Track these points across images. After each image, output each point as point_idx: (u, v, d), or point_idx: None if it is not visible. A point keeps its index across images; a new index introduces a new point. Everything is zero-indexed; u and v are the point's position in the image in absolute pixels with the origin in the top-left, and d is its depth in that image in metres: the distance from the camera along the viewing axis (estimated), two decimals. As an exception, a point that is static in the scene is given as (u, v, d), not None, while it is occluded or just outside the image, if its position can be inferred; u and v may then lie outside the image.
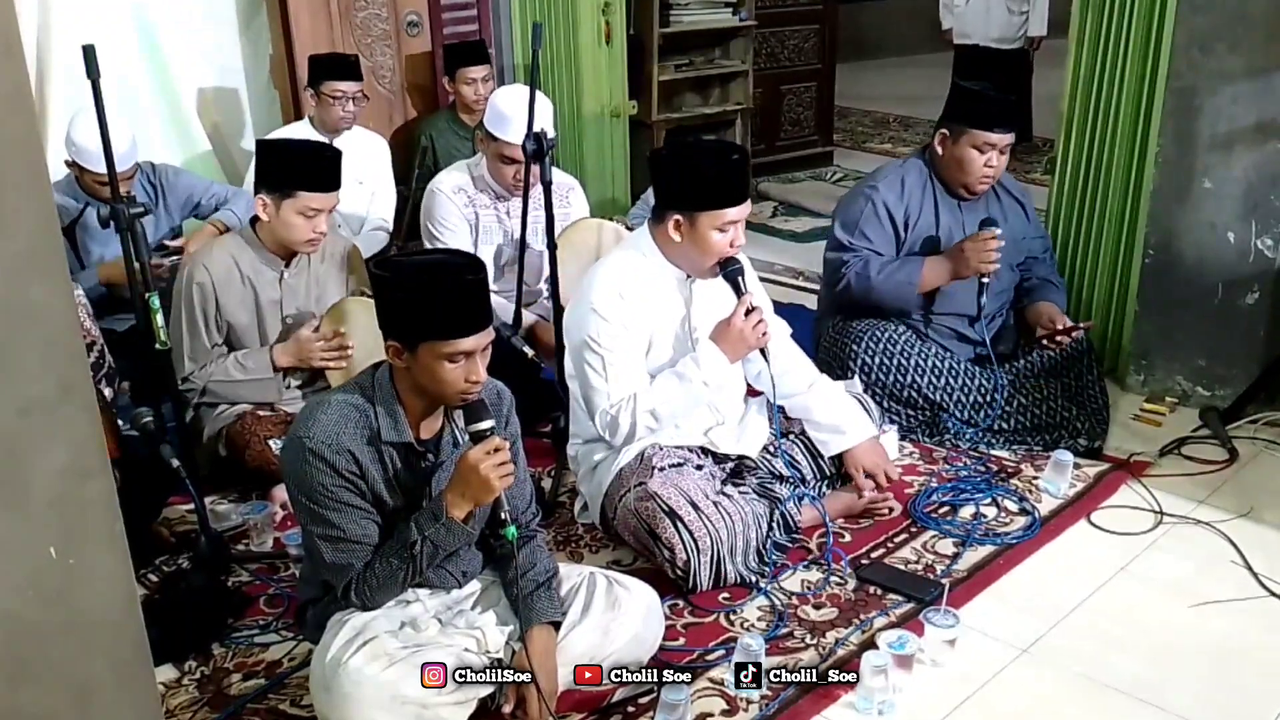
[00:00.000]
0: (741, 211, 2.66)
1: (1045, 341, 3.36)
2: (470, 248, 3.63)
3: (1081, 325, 3.37)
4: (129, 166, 3.48)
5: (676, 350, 2.80)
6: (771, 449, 2.94)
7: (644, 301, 2.73)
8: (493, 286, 3.56)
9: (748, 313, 2.72)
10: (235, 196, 3.91)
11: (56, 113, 4.03)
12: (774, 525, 2.78)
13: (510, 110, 3.51)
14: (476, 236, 3.66)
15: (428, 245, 3.71)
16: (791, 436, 3.00)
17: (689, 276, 2.78)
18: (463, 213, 3.64)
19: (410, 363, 2.08)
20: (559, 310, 3.42)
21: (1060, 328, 3.34)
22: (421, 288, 2.05)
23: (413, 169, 4.64)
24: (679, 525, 2.59)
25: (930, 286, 3.31)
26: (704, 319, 2.80)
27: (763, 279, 3.60)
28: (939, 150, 3.34)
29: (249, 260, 3.06)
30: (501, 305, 3.57)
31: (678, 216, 2.67)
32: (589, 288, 2.75)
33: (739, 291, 2.73)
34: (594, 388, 2.73)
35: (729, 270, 2.74)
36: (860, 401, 3.03)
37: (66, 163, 3.57)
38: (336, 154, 3.04)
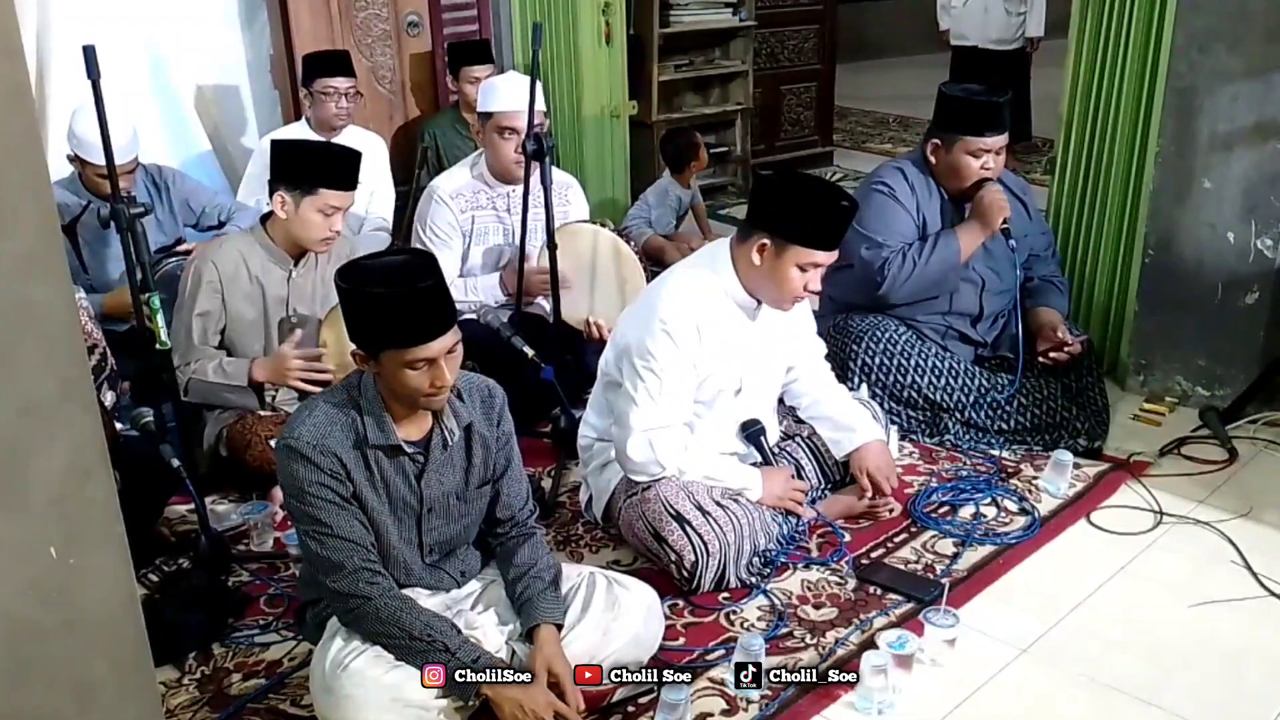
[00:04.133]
0: (829, 257, 2.59)
1: (1042, 359, 3.35)
2: (460, 256, 3.63)
3: (1079, 340, 3.37)
4: (130, 159, 3.48)
5: (730, 379, 2.74)
6: (776, 450, 2.95)
7: (715, 338, 2.65)
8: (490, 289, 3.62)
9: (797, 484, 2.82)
10: (239, 212, 3.91)
11: (56, 113, 4.03)
12: (781, 540, 2.79)
13: (500, 82, 3.58)
14: (470, 242, 3.66)
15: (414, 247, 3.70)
16: (798, 439, 3.00)
17: (758, 304, 2.71)
18: (457, 219, 3.63)
19: (377, 370, 2.08)
20: (558, 310, 3.43)
21: (1058, 340, 3.32)
22: (374, 298, 2.02)
23: (414, 169, 4.66)
24: (686, 528, 2.59)
25: (969, 253, 3.29)
26: (762, 348, 2.77)
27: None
28: (932, 159, 3.34)
29: (258, 259, 3.06)
30: (488, 288, 3.58)
31: (766, 240, 2.58)
32: (660, 298, 2.64)
33: (766, 457, 2.79)
34: (637, 404, 2.63)
35: (751, 432, 2.78)
36: (865, 405, 3.04)
37: (69, 157, 3.57)
38: (356, 154, 3.05)
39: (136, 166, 3.58)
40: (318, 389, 2.99)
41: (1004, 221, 3.25)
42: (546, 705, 2.08)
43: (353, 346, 2.12)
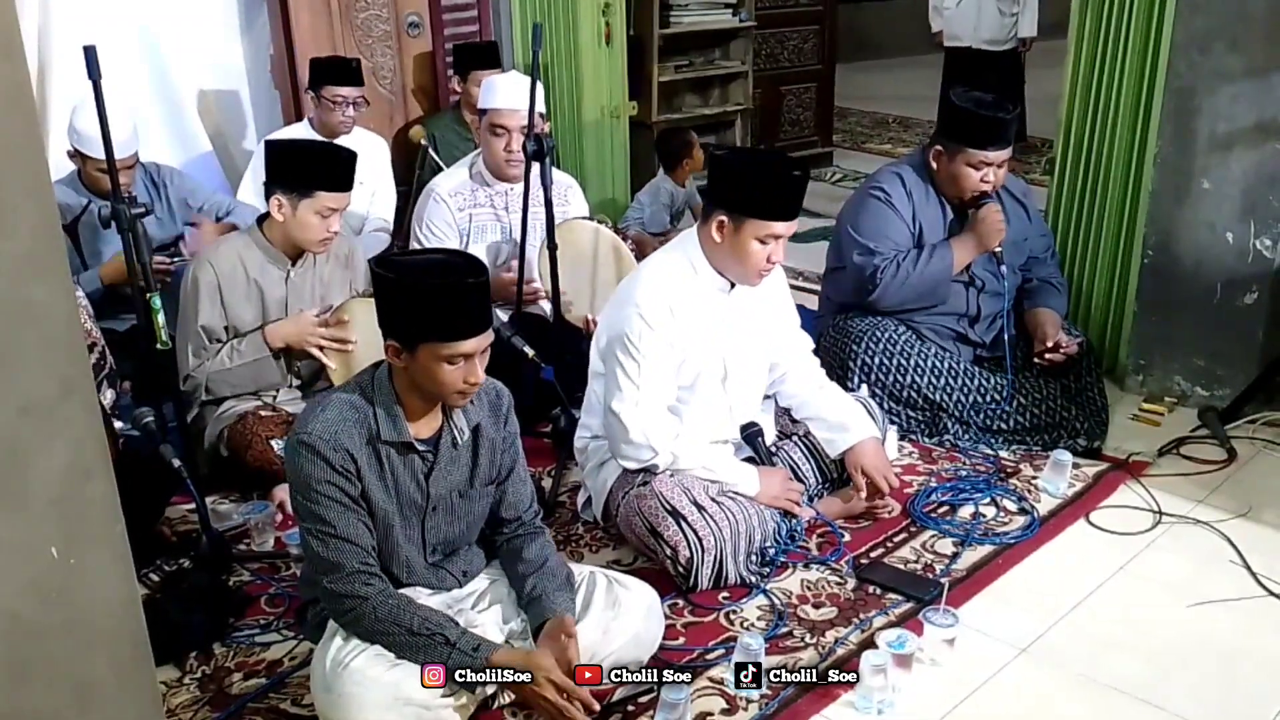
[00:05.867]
0: (788, 228, 2.63)
1: (1037, 360, 3.36)
2: None
3: (1075, 341, 3.38)
4: (130, 154, 3.48)
5: (712, 358, 2.77)
6: (774, 449, 2.95)
7: (690, 315, 2.69)
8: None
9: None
10: (237, 209, 3.91)
11: (56, 113, 4.03)
12: (779, 538, 2.79)
13: (499, 80, 3.59)
14: (467, 241, 3.66)
15: (414, 246, 3.71)
16: (794, 438, 3.00)
17: (731, 286, 2.74)
18: (455, 218, 3.64)
19: (409, 363, 2.09)
20: (559, 309, 3.44)
21: (1052, 345, 3.33)
22: (423, 290, 2.04)
23: (414, 169, 4.66)
24: (682, 524, 2.59)
25: (961, 267, 3.31)
26: (741, 328, 2.79)
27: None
28: (934, 164, 3.34)
29: (255, 260, 3.06)
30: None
31: (724, 218, 2.63)
32: (635, 286, 2.71)
33: (763, 458, 2.83)
34: (621, 389, 2.67)
35: (749, 434, 2.82)
36: (865, 405, 3.04)
37: (69, 154, 3.57)
38: (352, 155, 3.06)
39: (136, 162, 3.59)
40: (338, 353, 3.03)
41: (998, 244, 3.26)
42: (550, 668, 2.07)
43: (368, 341, 2.12)
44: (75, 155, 3.56)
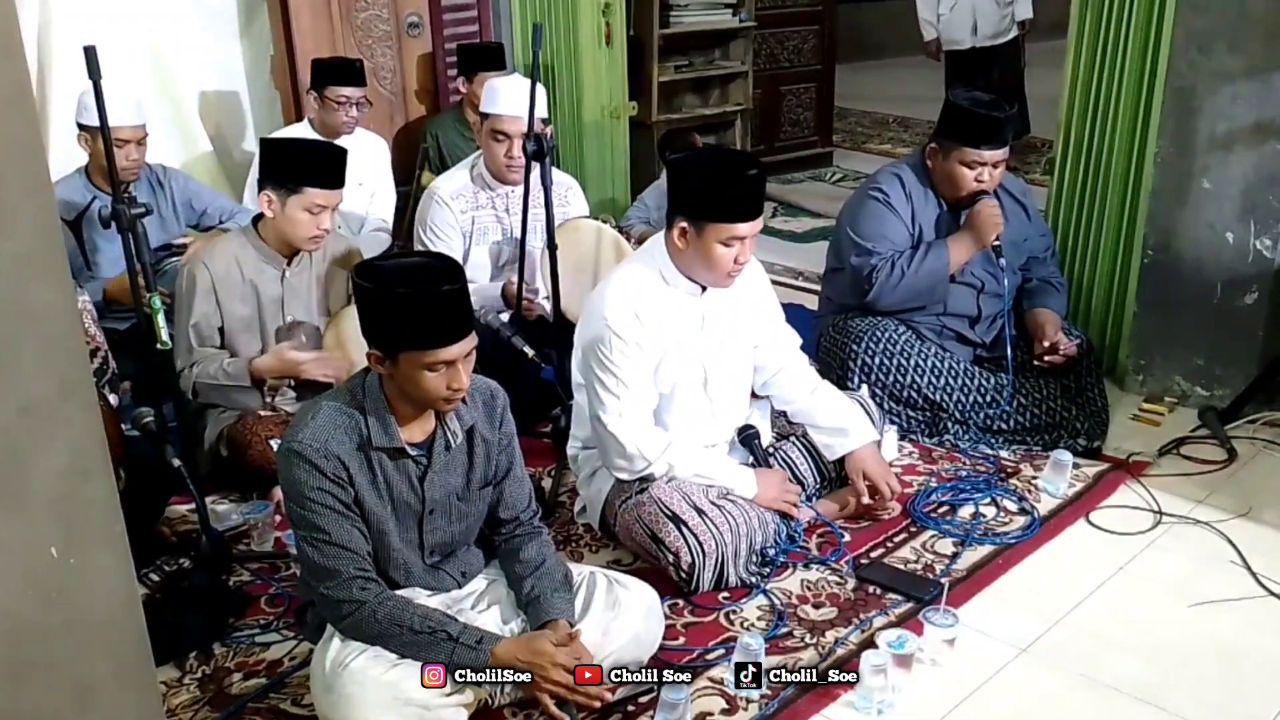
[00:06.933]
0: (751, 228, 2.60)
1: (1036, 361, 3.36)
2: (461, 254, 3.63)
3: (1075, 342, 3.37)
4: (139, 125, 3.53)
5: (690, 364, 2.76)
6: (771, 450, 2.95)
7: (659, 320, 2.68)
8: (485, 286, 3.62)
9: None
10: (241, 214, 3.92)
11: (57, 113, 4.04)
12: (779, 540, 2.79)
13: (502, 85, 3.57)
14: (470, 242, 3.66)
15: (416, 248, 3.71)
16: (792, 439, 3.00)
17: (703, 288, 2.73)
18: (458, 220, 3.63)
19: (391, 371, 2.08)
20: (559, 309, 3.44)
21: (1049, 345, 3.33)
22: (399, 298, 2.02)
23: (415, 169, 4.67)
24: (683, 529, 2.59)
25: (958, 265, 3.31)
26: (717, 331, 2.78)
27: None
28: (930, 163, 3.34)
29: (251, 259, 3.06)
30: (489, 298, 3.57)
31: (685, 224, 2.61)
32: (602, 300, 2.70)
33: (760, 460, 2.84)
34: (603, 402, 2.67)
35: (745, 436, 2.84)
36: (863, 405, 3.04)
37: (79, 137, 3.57)
38: (342, 152, 3.06)
39: (146, 136, 3.60)
40: (330, 379, 3.03)
41: (995, 239, 3.26)
42: (553, 652, 2.08)
43: (364, 348, 2.11)
44: (84, 136, 3.55)
